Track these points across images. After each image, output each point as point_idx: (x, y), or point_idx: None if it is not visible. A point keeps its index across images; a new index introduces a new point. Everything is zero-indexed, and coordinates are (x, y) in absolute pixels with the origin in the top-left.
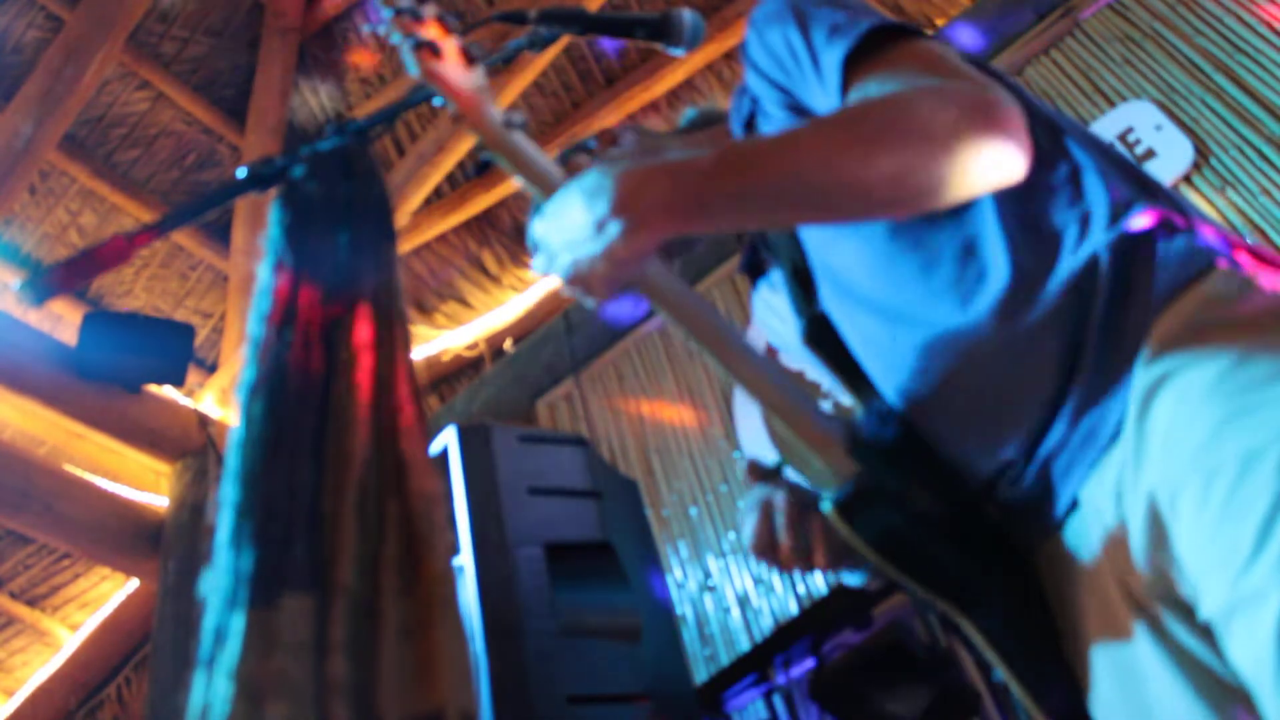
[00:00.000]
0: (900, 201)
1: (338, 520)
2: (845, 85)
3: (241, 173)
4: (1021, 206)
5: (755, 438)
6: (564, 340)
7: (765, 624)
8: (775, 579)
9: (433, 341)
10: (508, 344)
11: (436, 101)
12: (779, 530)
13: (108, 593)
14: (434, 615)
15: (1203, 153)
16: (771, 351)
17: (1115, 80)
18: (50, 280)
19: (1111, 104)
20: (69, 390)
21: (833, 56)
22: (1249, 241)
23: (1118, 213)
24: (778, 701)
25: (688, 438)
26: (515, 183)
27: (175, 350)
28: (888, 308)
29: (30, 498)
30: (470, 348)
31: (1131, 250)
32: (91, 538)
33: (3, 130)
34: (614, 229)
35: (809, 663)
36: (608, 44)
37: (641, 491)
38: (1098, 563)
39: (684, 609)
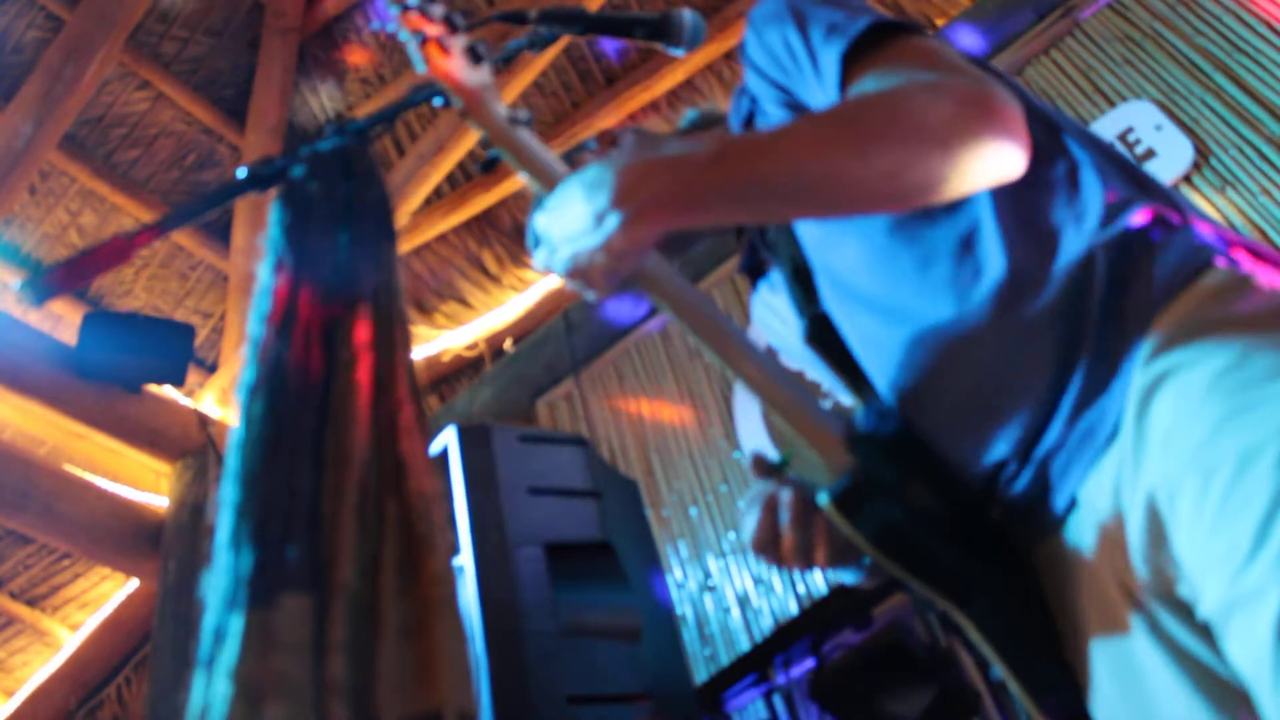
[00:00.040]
0: (897, 195)
1: (337, 520)
2: (844, 83)
3: (241, 173)
4: (1018, 203)
5: (755, 437)
6: (564, 340)
7: (765, 624)
8: (775, 579)
9: (433, 341)
10: (508, 344)
11: (437, 101)
12: (783, 526)
13: (108, 593)
14: (434, 615)
15: (1203, 153)
16: (771, 353)
17: (1115, 80)
18: (50, 280)
19: (1111, 104)
20: (69, 390)
21: (831, 54)
22: (1246, 239)
23: (1115, 210)
24: (778, 701)
25: (688, 438)
26: (520, 179)
27: (175, 350)
28: (885, 305)
29: (30, 498)
30: (470, 348)
31: (1128, 248)
32: (91, 538)
33: (3, 130)
34: (613, 221)
35: (809, 663)
36: (608, 44)
37: (641, 491)
38: (1097, 562)
39: (684, 609)
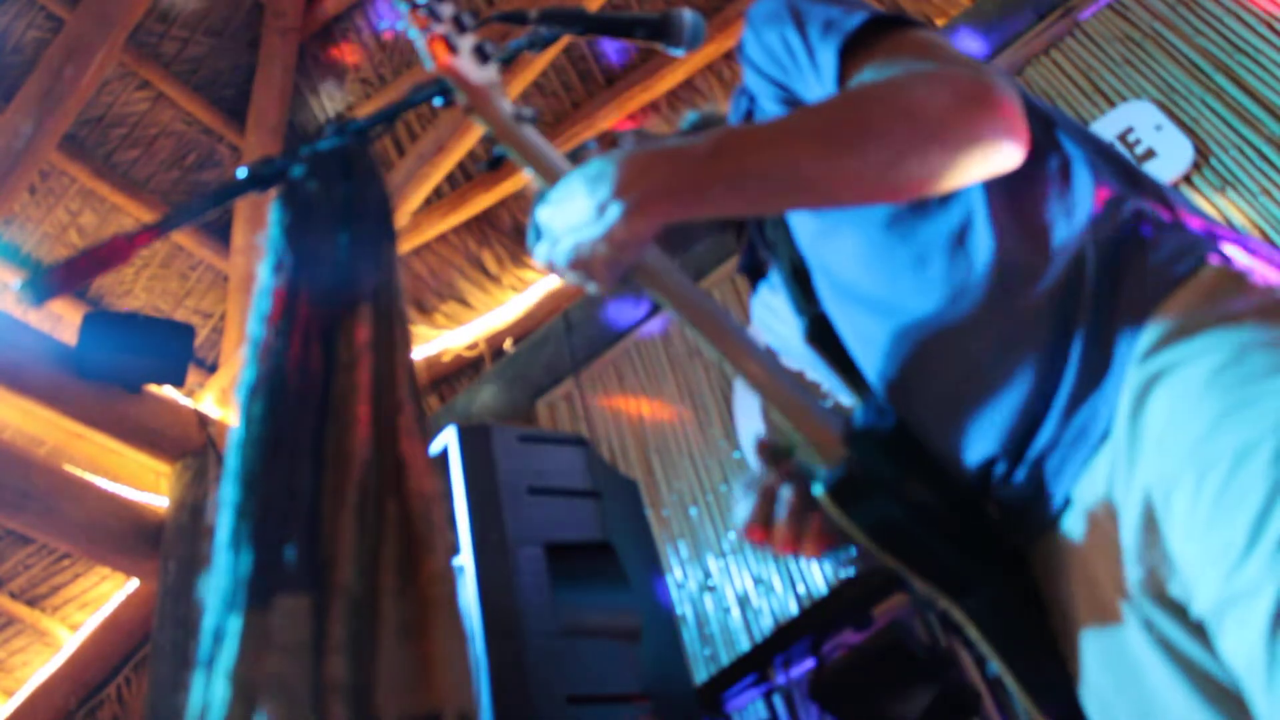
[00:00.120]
0: (895, 185)
1: (337, 520)
2: (842, 78)
3: (241, 173)
4: (1011, 197)
5: (755, 436)
6: (564, 340)
7: (765, 624)
8: (775, 579)
9: (433, 341)
10: (508, 344)
11: (437, 101)
12: (779, 513)
13: (108, 593)
14: (433, 615)
15: (1203, 153)
16: (771, 353)
17: (1115, 80)
18: (50, 280)
19: (1111, 104)
20: (69, 390)
21: (828, 49)
22: (1241, 235)
23: (1108, 207)
24: (778, 701)
25: (688, 438)
26: (523, 177)
27: (175, 350)
28: (881, 302)
29: (30, 498)
30: (470, 348)
31: (1120, 243)
32: (91, 538)
33: (3, 130)
34: (615, 211)
35: (809, 663)
36: (608, 44)
37: (641, 491)
38: (1091, 561)
39: (684, 609)
